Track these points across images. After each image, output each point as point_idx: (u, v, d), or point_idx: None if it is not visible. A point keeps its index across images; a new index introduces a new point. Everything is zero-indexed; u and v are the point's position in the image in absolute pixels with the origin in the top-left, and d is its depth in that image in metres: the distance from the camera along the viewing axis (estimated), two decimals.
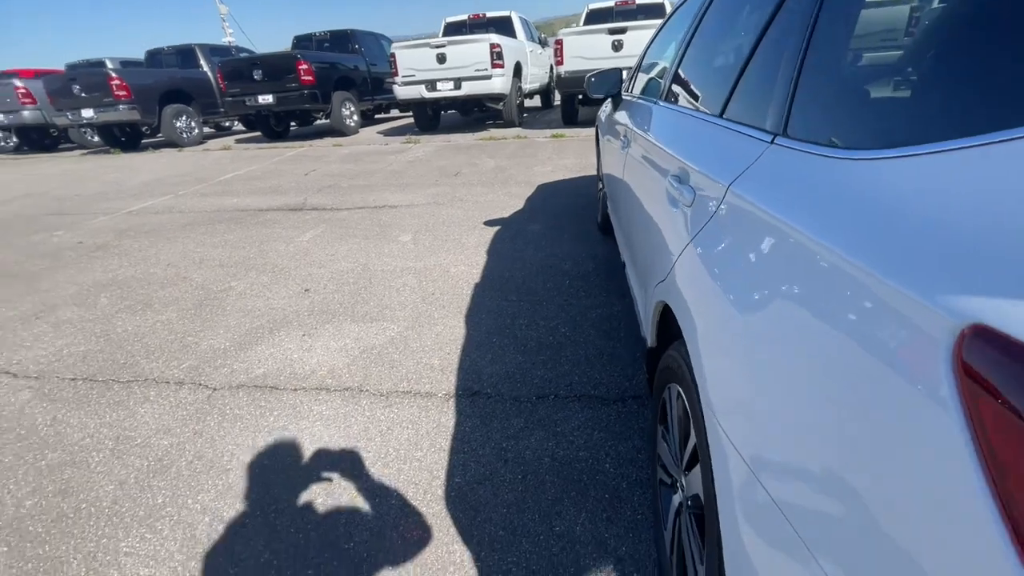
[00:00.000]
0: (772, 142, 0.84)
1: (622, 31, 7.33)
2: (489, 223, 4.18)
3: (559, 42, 7.83)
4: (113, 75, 9.21)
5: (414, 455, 1.75)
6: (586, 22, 8.97)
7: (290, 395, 2.12)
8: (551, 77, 11.17)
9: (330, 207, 5.07)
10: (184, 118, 10.31)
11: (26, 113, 11.01)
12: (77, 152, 11.58)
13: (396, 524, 1.49)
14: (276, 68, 8.96)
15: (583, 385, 2.06)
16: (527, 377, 2.13)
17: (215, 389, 2.20)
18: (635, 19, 8.17)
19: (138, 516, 1.58)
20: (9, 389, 2.31)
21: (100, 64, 11.42)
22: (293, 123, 11.28)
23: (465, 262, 3.40)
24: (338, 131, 9.99)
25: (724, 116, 1.14)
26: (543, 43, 11.21)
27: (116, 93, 9.10)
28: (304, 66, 8.75)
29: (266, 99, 9.15)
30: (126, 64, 11.56)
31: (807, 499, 0.54)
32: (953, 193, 0.46)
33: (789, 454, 0.59)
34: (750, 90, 1.05)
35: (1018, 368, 0.34)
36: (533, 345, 2.36)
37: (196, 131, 10.59)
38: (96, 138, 11.15)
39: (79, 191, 6.89)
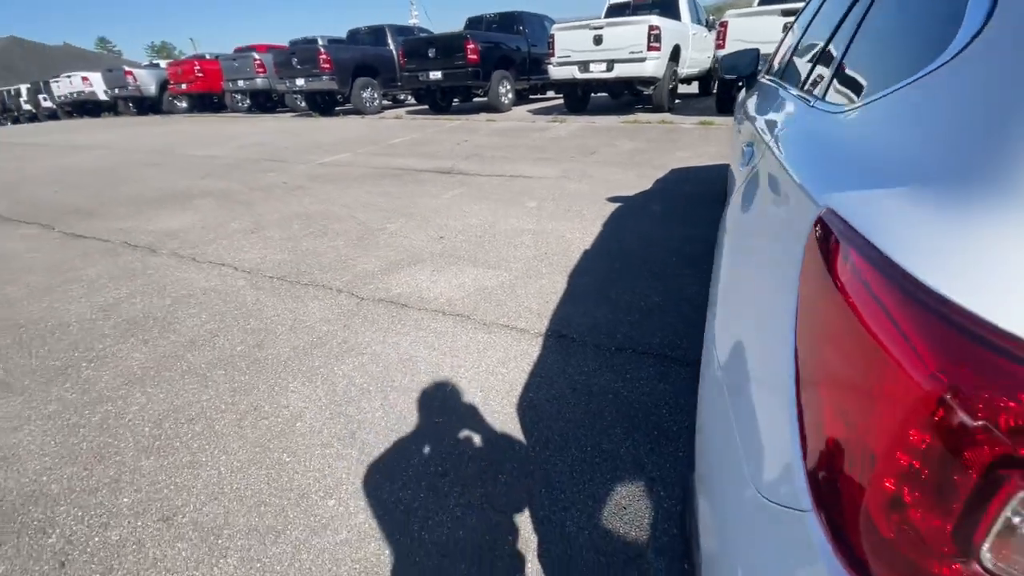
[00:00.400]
0: None
1: (795, 13, 6.70)
2: (612, 200, 4.35)
3: (723, 24, 7.42)
4: (322, 50, 11.00)
5: (500, 370, 2.11)
6: (760, 2, 8.31)
7: (415, 312, 2.62)
8: (713, 62, 10.58)
9: (472, 173, 5.65)
10: (369, 90, 11.92)
11: (258, 80, 13.66)
12: (288, 114, 14.10)
13: (474, 411, 1.86)
14: (447, 47, 9.91)
15: (661, 346, 2.22)
16: (612, 331, 2.35)
17: (362, 299, 2.80)
18: None
19: (302, 370, 2.18)
20: (232, 277, 3.19)
21: (313, 41, 13.63)
22: (456, 98, 12.32)
23: (580, 230, 3.65)
24: (493, 107, 10.73)
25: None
26: (710, 26, 10.63)
27: (322, 66, 10.88)
28: (471, 46, 9.54)
29: (436, 75, 10.18)
30: (332, 42, 13.63)
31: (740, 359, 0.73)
32: (857, 127, 0.63)
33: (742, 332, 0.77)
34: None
35: (842, 234, 0.51)
36: (624, 307, 2.55)
37: (377, 102, 12.18)
38: (303, 103, 13.42)
39: (288, 144, 8.52)
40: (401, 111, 12.90)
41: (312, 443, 1.76)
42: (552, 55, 8.68)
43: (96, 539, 1.45)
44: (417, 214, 4.26)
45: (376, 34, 12.71)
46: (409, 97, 15.03)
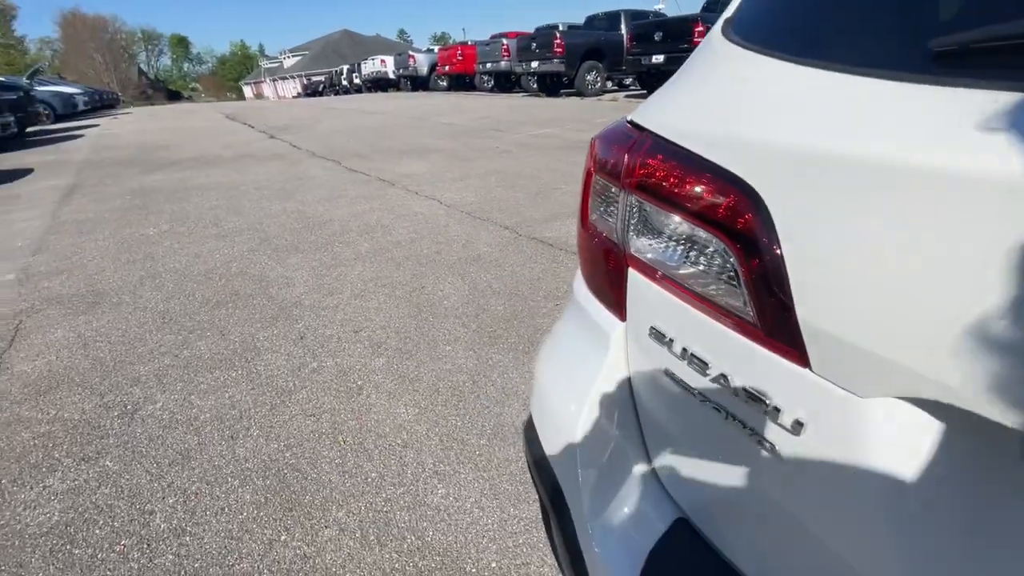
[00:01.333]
0: None
1: None
2: None
3: None
4: (557, 36, 11.99)
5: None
6: None
7: (560, 252, 3.12)
8: None
9: None
10: (593, 73, 12.55)
11: (502, 63, 15.52)
12: (520, 94, 15.72)
13: None
14: (675, 31, 9.82)
15: None
16: None
17: (526, 237, 3.41)
18: None
19: (459, 273, 2.90)
20: (439, 210, 4.15)
21: (554, 27, 14.81)
22: None
23: None
24: None
25: None
26: None
27: (555, 50, 11.88)
28: (700, 28, 9.29)
29: (658, 59, 10.21)
30: (570, 28, 14.60)
31: None
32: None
33: None
34: None
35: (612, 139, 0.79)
36: None
37: (599, 84, 12.75)
38: (534, 84, 14.80)
39: (509, 118, 9.74)
40: (620, 94, 13.23)
41: (448, 312, 2.44)
42: None
43: (320, 331, 2.36)
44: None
45: (611, 19, 13.17)
46: (635, 82, 15.20)
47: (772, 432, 0.44)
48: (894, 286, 0.34)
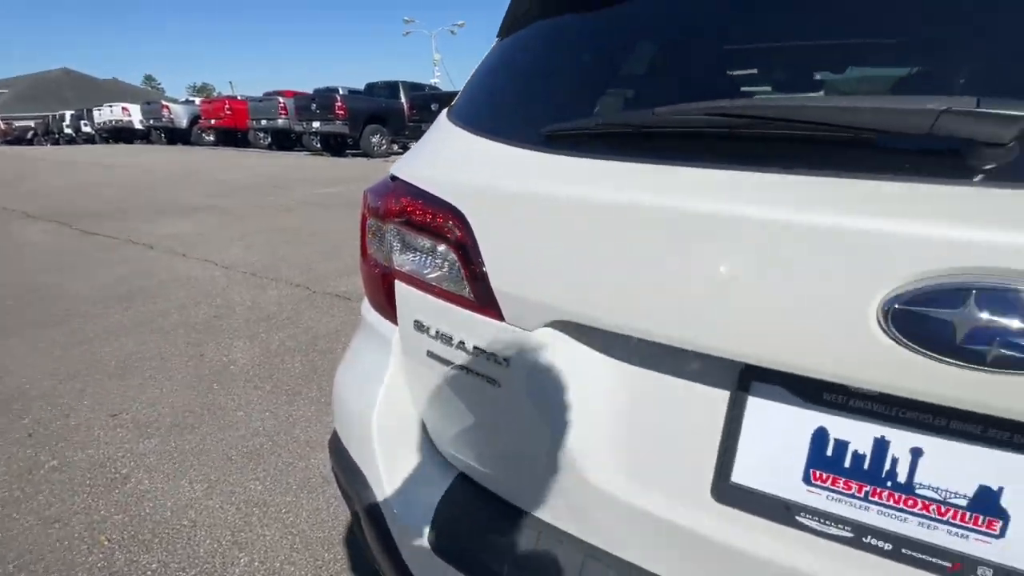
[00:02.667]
0: None
1: None
2: None
3: None
4: (338, 99, 12.17)
5: None
6: None
7: (355, 303, 3.16)
8: None
9: None
10: (378, 136, 13.01)
11: (280, 121, 14.89)
12: (303, 152, 15.23)
13: None
14: (449, 103, 10.97)
15: None
16: None
17: (320, 293, 3.35)
18: None
19: (248, 334, 2.70)
20: (215, 273, 3.77)
21: (334, 91, 14.96)
22: None
23: None
24: None
25: None
26: None
27: (337, 112, 12.00)
28: None
29: None
30: (350, 92, 14.95)
31: None
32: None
33: None
34: None
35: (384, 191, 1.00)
36: None
37: (384, 146, 13.25)
38: (317, 144, 14.56)
39: (293, 176, 9.37)
40: None
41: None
42: None
43: (58, 423, 1.93)
44: None
45: (391, 88, 13.98)
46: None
47: (494, 371, 0.66)
48: (535, 262, 0.60)
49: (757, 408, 0.52)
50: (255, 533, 1.45)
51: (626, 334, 0.55)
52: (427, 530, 0.72)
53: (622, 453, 0.61)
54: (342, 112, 11.92)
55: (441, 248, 0.69)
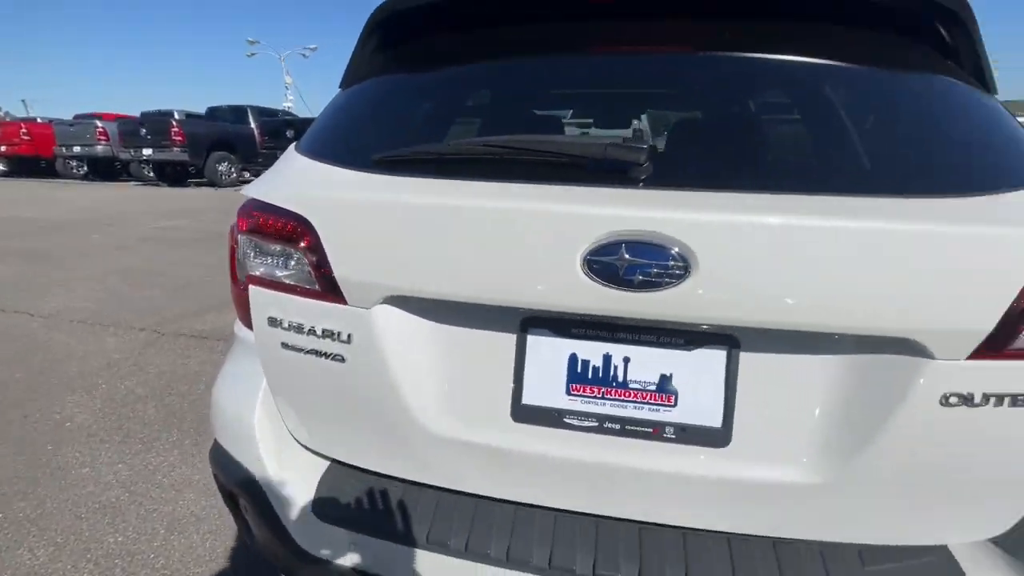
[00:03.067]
0: None
1: None
2: None
3: None
4: (174, 124, 11.03)
5: None
6: None
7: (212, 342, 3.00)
8: None
9: None
10: (226, 164, 12.01)
11: (99, 148, 12.97)
12: (132, 183, 13.42)
13: None
14: (305, 130, 10.60)
15: None
16: None
17: (172, 335, 3.10)
18: None
19: (83, 386, 2.44)
20: (32, 324, 3.27)
21: (168, 114, 13.48)
22: None
23: None
24: None
25: None
26: None
27: (173, 138, 10.86)
28: None
29: None
30: (189, 116, 13.61)
31: None
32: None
33: None
34: None
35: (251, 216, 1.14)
36: None
37: (234, 175, 12.26)
38: (151, 173, 12.95)
39: (125, 209, 8.26)
40: None
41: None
42: None
43: None
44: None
45: (237, 113, 13.04)
46: None
47: (339, 348, 0.83)
48: (369, 253, 0.80)
49: (533, 345, 0.79)
50: None
51: (440, 299, 0.78)
52: (310, 502, 0.87)
53: (444, 398, 0.83)
54: (180, 138, 10.83)
55: (290, 250, 0.85)
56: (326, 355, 0.84)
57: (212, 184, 12.02)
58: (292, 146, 1.06)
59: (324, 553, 0.86)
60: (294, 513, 0.87)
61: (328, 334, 0.83)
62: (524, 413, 0.79)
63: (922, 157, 0.80)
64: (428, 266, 0.77)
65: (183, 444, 2.01)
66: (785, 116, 1.07)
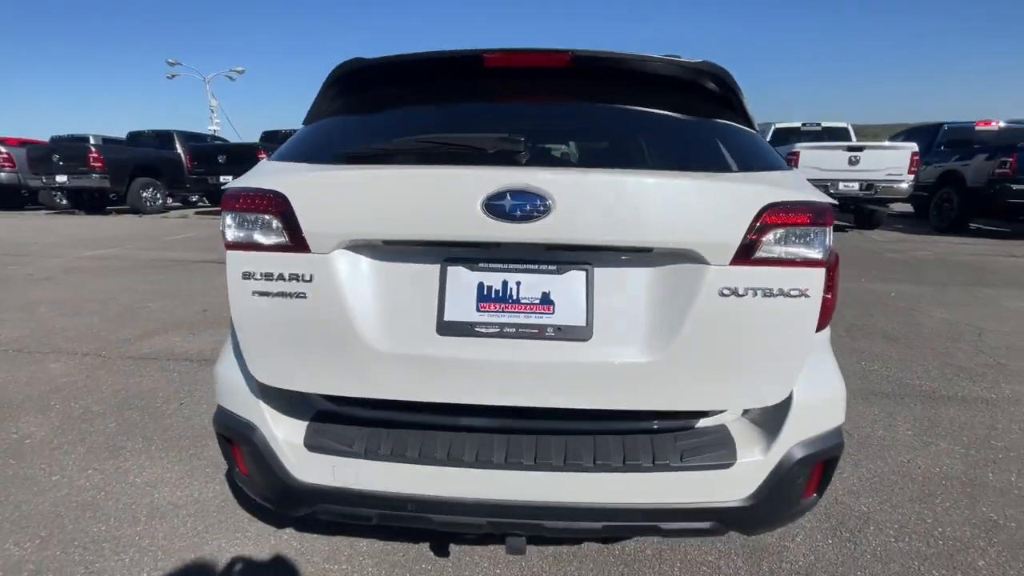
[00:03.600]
0: None
1: (860, 148, 8.53)
2: None
3: (794, 154, 8.43)
4: (93, 149, 10.55)
5: None
6: (772, 140, 9.91)
7: (180, 363, 3.11)
8: None
9: None
10: (151, 190, 11.57)
11: (2, 175, 12.06)
12: (43, 212, 12.53)
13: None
14: (239, 155, 10.53)
15: None
16: None
17: (119, 358, 3.17)
18: (820, 139, 9.54)
19: (34, 409, 2.52)
20: None
21: (84, 139, 12.81)
22: None
23: None
24: None
25: None
26: None
27: (92, 164, 10.37)
28: (263, 155, 10.33)
29: (226, 179, 10.58)
30: (107, 141, 12.99)
31: None
32: None
33: None
34: None
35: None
36: None
37: (160, 201, 11.81)
38: (64, 201, 12.18)
39: (37, 239, 7.82)
40: (189, 211, 12.61)
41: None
42: None
43: None
44: (183, 293, 4.66)
45: (162, 138, 12.62)
46: (204, 199, 14.72)
47: (302, 287, 1.12)
48: (330, 212, 1.13)
49: (452, 275, 1.13)
50: (109, 562, 1.59)
51: (384, 239, 1.11)
52: (301, 441, 1.17)
53: (386, 322, 1.15)
54: (100, 164, 10.37)
55: (267, 217, 1.14)
56: (291, 295, 1.13)
57: (136, 211, 11.52)
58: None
59: (312, 477, 1.17)
60: (289, 451, 1.18)
61: (294, 276, 1.13)
62: (446, 328, 1.13)
63: (700, 151, 1.32)
64: (374, 216, 1.10)
65: (150, 450, 2.18)
66: (618, 132, 1.56)
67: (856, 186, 8.25)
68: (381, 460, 1.13)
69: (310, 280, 1.12)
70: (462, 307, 1.12)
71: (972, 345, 3.44)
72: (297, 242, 1.12)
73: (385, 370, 1.14)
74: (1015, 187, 7.54)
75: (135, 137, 12.94)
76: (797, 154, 8.30)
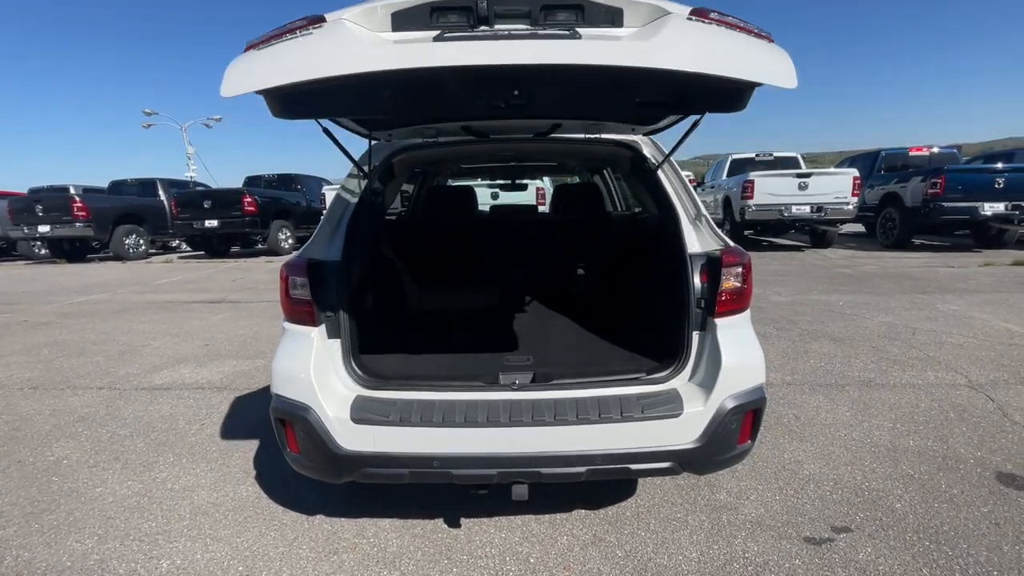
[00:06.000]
0: None
1: (808, 175, 9.08)
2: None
3: (750, 182, 9.07)
4: (76, 199, 10.70)
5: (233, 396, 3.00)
6: (729, 171, 10.88)
7: (192, 391, 3.34)
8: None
9: (244, 301, 6.42)
10: (134, 236, 11.70)
11: None
12: (22, 262, 12.47)
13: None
14: (225, 200, 10.80)
15: None
16: None
17: (133, 389, 3.38)
18: (773, 168, 10.15)
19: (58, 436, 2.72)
20: None
21: (64, 189, 12.92)
22: (236, 245, 12.85)
23: None
24: (273, 252, 11.64)
25: None
26: None
27: (76, 213, 10.51)
28: (248, 199, 10.63)
29: (212, 223, 10.81)
30: (88, 190, 13.12)
31: None
32: None
33: None
34: None
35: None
36: None
37: (143, 248, 11.93)
38: (44, 251, 12.17)
39: (23, 289, 7.88)
40: (173, 256, 12.72)
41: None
42: None
43: None
44: (183, 332, 4.86)
45: (145, 186, 12.85)
46: (183, 244, 14.83)
47: None
48: None
49: None
50: (164, 549, 1.82)
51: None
52: (348, 415, 1.48)
53: None
54: (84, 213, 10.51)
55: None
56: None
57: (119, 258, 11.59)
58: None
59: (357, 446, 1.47)
60: (339, 425, 1.48)
61: None
62: None
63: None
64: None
65: (181, 462, 2.41)
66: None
67: (807, 209, 8.96)
68: (413, 426, 1.45)
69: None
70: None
71: (905, 342, 3.90)
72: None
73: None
74: (947, 204, 8.33)
75: (118, 185, 13.13)
76: (752, 182, 9.02)
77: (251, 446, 2.54)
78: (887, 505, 1.96)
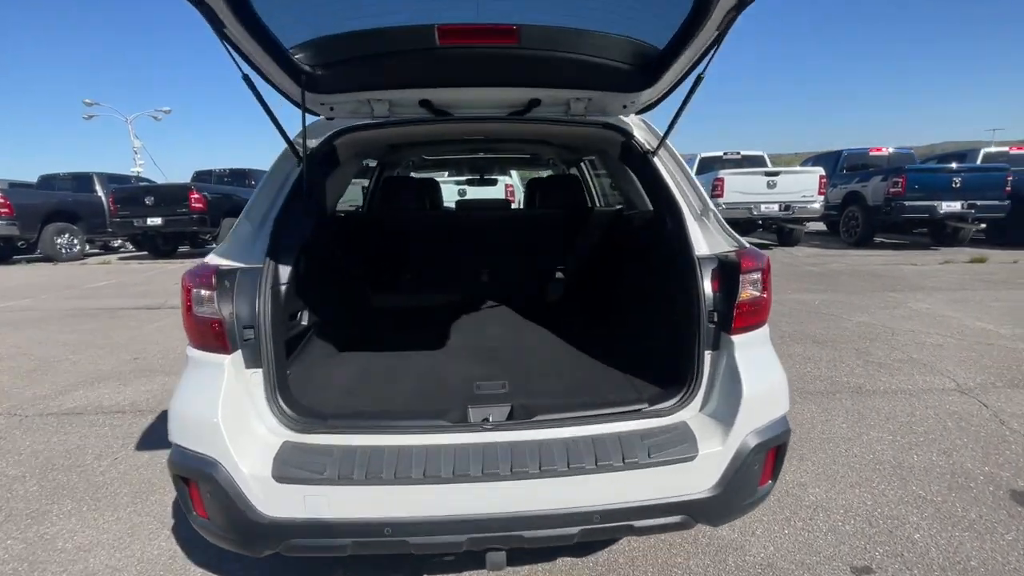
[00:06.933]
0: None
1: (776, 173, 9.01)
2: None
3: (720, 180, 8.94)
4: None
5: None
6: (698, 169, 10.55)
7: (109, 416, 2.86)
8: None
9: None
10: (66, 235, 10.71)
11: None
12: None
13: None
14: (169, 196, 10.00)
15: None
16: None
17: (37, 415, 2.87)
18: (740, 167, 9.99)
19: None
20: None
21: None
22: (185, 245, 11.96)
23: None
24: None
25: None
26: None
27: None
28: (196, 195, 9.87)
29: (155, 221, 9.99)
30: (13, 185, 11.97)
31: None
32: None
33: None
34: None
35: None
36: None
37: (77, 248, 10.94)
38: None
39: None
40: (112, 257, 11.75)
41: None
42: None
43: None
44: (110, 343, 4.31)
45: (80, 180, 11.81)
46: (127, 244, 13.77)
47: None
48: None
49: None
50: None
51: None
52: (269, 471, 1.13)
53: None
54: (7, 210, 9.52)
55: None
56: None
57: (49, 259, 10.59)
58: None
59: (282, 511, 1.12)
60: (256, 484, 1.13)
61: None
62: None
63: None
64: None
65: (81, 511, 1.98)
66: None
67: (776, 207, 8.97)
68: (355, 485, 1.11)
69: None
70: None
71: (887, 343, 3.79)
72: None
73: None
74: (907, 203, 8.49)
75: (48, 180, 12.03)
76: (722, 180, 8.96)
77: (172, 486, 2.13)
78: (905, 536, 1.75)
